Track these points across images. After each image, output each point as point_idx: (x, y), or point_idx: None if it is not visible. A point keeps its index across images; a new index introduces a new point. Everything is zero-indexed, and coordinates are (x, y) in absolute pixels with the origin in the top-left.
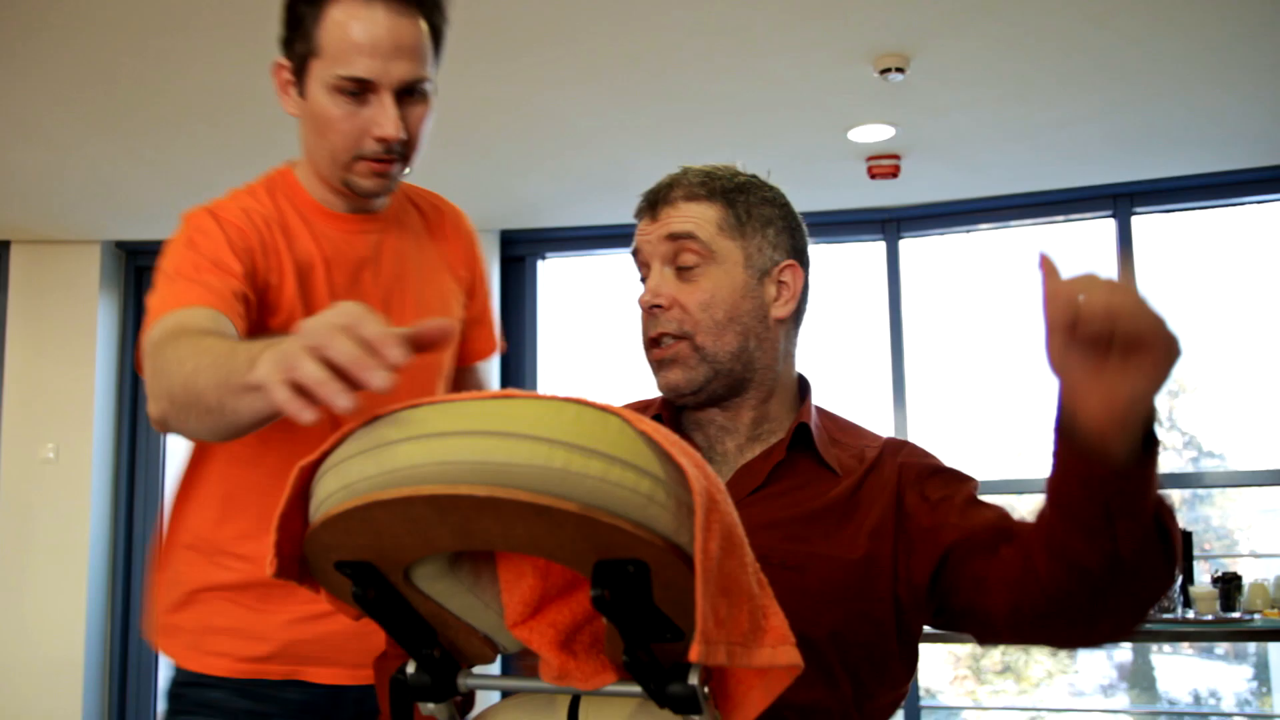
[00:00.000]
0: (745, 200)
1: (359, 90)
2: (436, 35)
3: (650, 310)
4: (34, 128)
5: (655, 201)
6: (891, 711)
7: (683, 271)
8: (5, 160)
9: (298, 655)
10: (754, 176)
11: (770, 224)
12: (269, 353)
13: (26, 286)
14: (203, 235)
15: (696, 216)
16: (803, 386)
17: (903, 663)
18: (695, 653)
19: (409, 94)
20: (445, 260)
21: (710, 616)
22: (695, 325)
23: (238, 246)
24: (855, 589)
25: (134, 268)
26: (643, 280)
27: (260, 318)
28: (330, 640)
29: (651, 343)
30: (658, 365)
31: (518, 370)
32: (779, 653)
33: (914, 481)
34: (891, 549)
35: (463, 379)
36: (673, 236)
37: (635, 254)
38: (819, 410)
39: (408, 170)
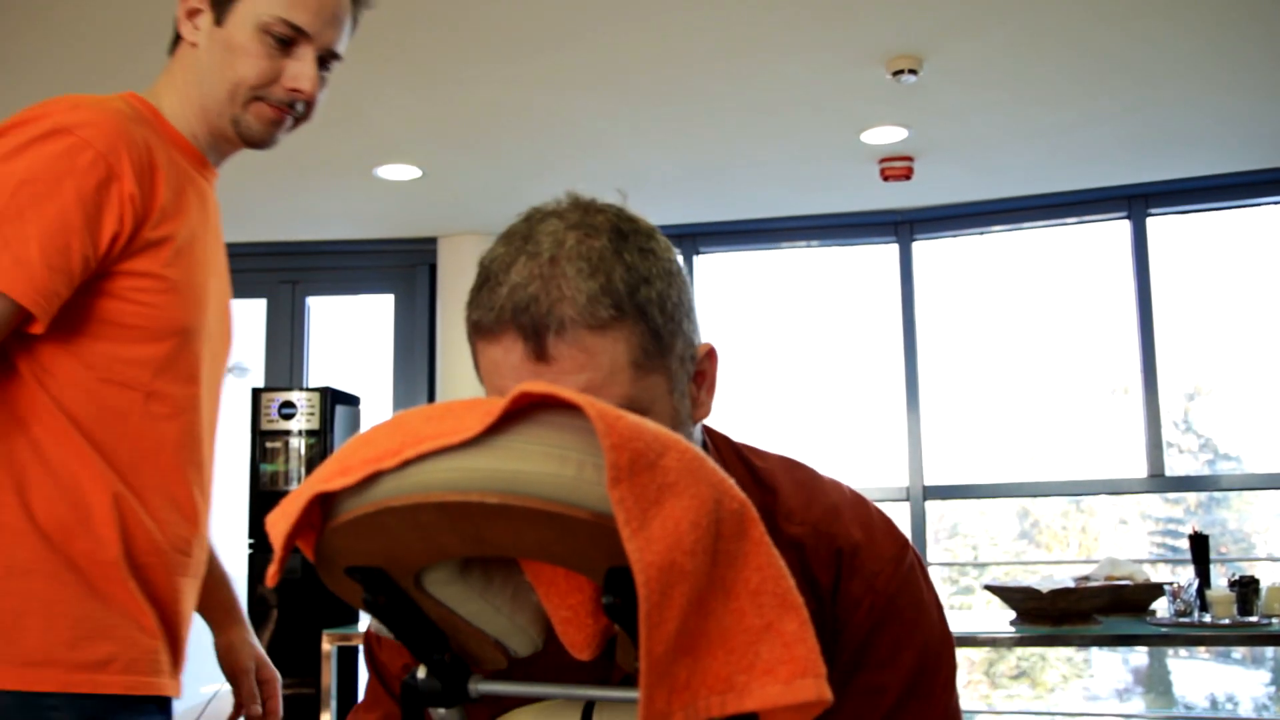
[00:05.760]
0: (655, 292)
1: (289, 40)
2: (355, 21)
3: None
4: None
5: (536, 331)
6: None
7: None
8: None
9: None
10: (628, 220)
11: (684, 310)
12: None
13: None
14: (70, 175)
15: (608, 363)
16: (708, 442)
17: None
18: None
19: (324, 63)
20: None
21: (658, 695)
22: None
23: (101, 208)
24: None
25: None
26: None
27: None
28: None
29: None
30: None
31: None
32: (795, 688)
33: (875, 624)
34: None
35: None
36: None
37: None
38: (741, 458)
39: (286, 131)
